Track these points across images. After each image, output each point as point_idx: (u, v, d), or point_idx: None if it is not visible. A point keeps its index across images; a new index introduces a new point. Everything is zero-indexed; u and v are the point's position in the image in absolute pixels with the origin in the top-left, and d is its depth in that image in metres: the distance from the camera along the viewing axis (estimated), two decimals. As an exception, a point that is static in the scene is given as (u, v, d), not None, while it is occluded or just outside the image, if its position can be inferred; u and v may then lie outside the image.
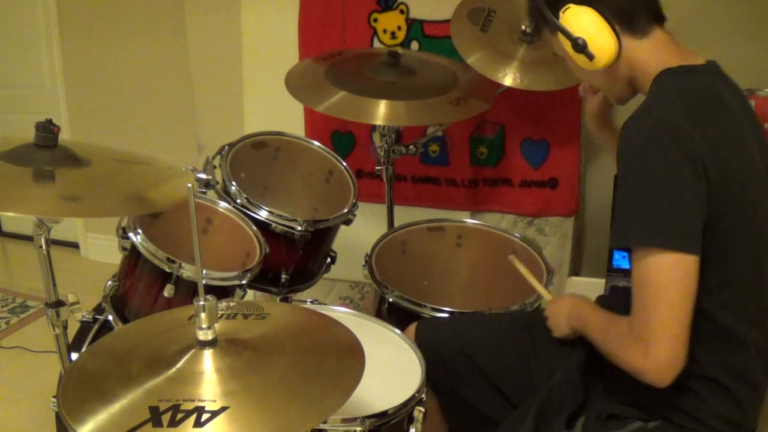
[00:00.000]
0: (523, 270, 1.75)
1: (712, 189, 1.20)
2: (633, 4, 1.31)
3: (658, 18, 1.33)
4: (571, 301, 1.50)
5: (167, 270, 1.64)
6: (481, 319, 1.69)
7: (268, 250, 1.83)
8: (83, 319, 1.75)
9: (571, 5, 1.31)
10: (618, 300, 1.52)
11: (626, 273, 2.10)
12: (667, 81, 1.29)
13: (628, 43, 1.32)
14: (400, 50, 2.26)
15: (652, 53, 1.32)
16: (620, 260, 2.15)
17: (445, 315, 1.74)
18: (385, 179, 2.25)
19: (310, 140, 2.22)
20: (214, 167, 1.97)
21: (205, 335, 1.07)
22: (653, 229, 1.19)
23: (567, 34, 1.32)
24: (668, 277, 1.18)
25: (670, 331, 1.18)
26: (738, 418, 1.31)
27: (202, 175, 1.93)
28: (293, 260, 1.99)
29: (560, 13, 1.33)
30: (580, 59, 1.34)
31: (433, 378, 1.53)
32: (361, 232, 2.26)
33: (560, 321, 1.50)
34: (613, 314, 1.35)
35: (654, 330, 1.19)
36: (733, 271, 1.26)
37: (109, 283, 1.78)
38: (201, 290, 1.06)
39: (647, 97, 1.31)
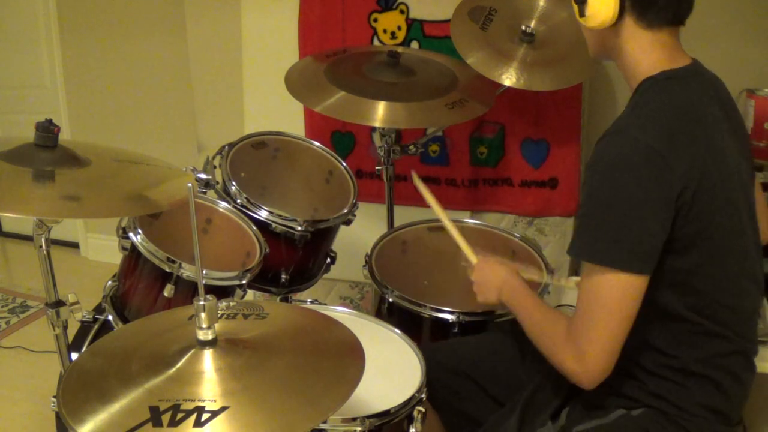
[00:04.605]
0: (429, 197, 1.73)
1: (688, 209, 1.21)
2: None
3: (674, 20, 1.29)
4: (505, 274, 1.51)
5: (167, 270, 1.64)
6: (475, 339, 1.70)
7: (268, 250, 1.83)
8: (83, 319, 1.75)
9: None
10: None
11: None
12: (649, 92, 1.28)
13: (630, 25, 1.29)
14: (400, 49, 2.26)
15: (647, 50, 1.30)
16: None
17: (445, 315, 1.74)
18: (385, 179, 2.25)
19: (310, 140, 2.22)
20: (214, 167, 1.97)
21: (205, 335, 1.07)
22: (612, 250, 1.21)
23: None
24: (618, 298, 1.22)
25: (608, 346, 1.23)
26: (722, 406, 1.32)
27: (202, 175, 1.93)
28: (293, 260, 1.99)
29: None
30: (575, 7, 1.33)
31: (434, 396, 1.54)
32: (361, 232, 2.26)
33: (490, 290, 1.51)
34: (551, 309, 1.38)
35: (592, 342, 1.23)
36: (709, 281, 1.28)
37: (109, 283, 1.78)
38: (201, 290, 1.06)
39: (628, 108, 1.30)
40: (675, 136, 1.22)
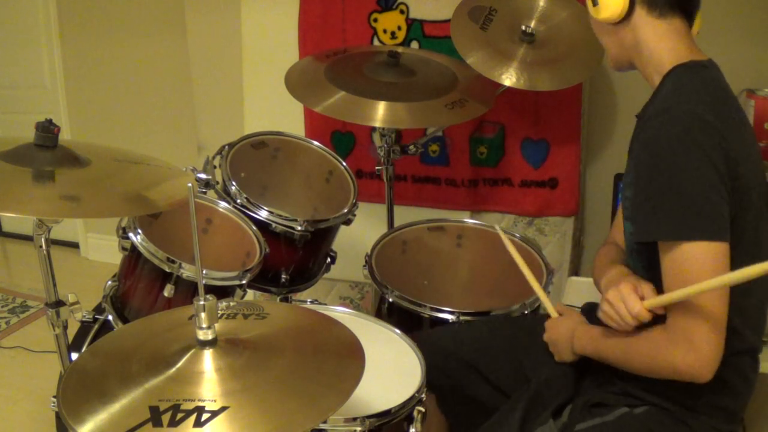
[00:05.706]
0: (518, 259, 1.67)
1: (743, 182, 1.21)
2: None
3: (684, 9, 1.31)
4: (571, 328, 1.47)
5: (167, 270, 1.64)
6: (474, 326, 1.69)
7: (268, 250, 1.83)
8: (83, 319, 1.75)
9: None
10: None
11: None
12: (685, 75, 1.29)
13: (642, 16, 1.31)
14: (400, 49, 2.26)
15: (663, 39, 1.31)
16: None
17: (445, 315, 1.74)
18: (385, 179, 2.25)
19: (310, 140, 2.22)
20: (214, 167, 1.97)
21: (205, 335, 1.07)
22: (697, 222, 1.18)
23: None
24: (711, 270, 1.17)
25: (714, 325, 1.18)
26: (730, 405, 1.32)
27: (202, 175, 1.93)
28: (293, 260, 1.99)
29: None
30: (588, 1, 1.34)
31: (431, 381, 1.53)
32: (361, 232, 2.26)
33: (563, 349, 1.48)
34: (632, 330, 1.32)
35: (698, 325, 1.18)
36: (736, 267, 1.26)
37: (109, 283, 1.78)
38: (201, 290, 1.06)
39: (668, 90, 1.29)
40: (720, 113, 1.23)
